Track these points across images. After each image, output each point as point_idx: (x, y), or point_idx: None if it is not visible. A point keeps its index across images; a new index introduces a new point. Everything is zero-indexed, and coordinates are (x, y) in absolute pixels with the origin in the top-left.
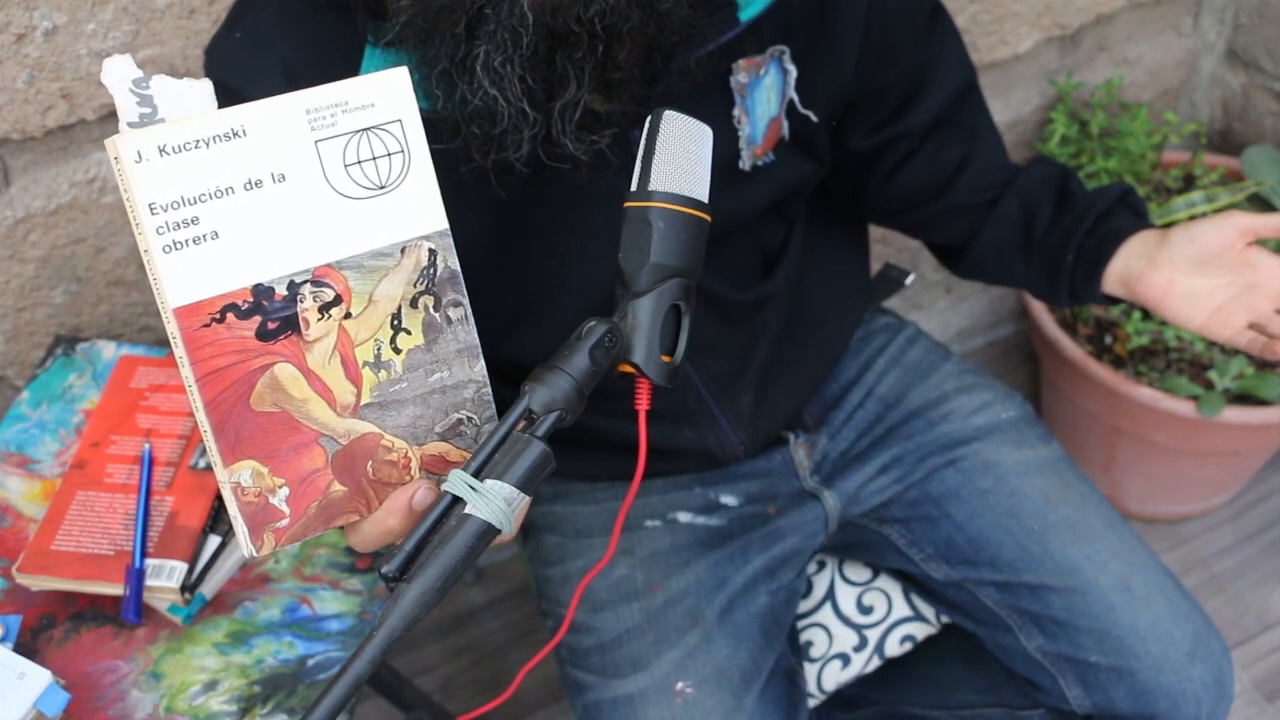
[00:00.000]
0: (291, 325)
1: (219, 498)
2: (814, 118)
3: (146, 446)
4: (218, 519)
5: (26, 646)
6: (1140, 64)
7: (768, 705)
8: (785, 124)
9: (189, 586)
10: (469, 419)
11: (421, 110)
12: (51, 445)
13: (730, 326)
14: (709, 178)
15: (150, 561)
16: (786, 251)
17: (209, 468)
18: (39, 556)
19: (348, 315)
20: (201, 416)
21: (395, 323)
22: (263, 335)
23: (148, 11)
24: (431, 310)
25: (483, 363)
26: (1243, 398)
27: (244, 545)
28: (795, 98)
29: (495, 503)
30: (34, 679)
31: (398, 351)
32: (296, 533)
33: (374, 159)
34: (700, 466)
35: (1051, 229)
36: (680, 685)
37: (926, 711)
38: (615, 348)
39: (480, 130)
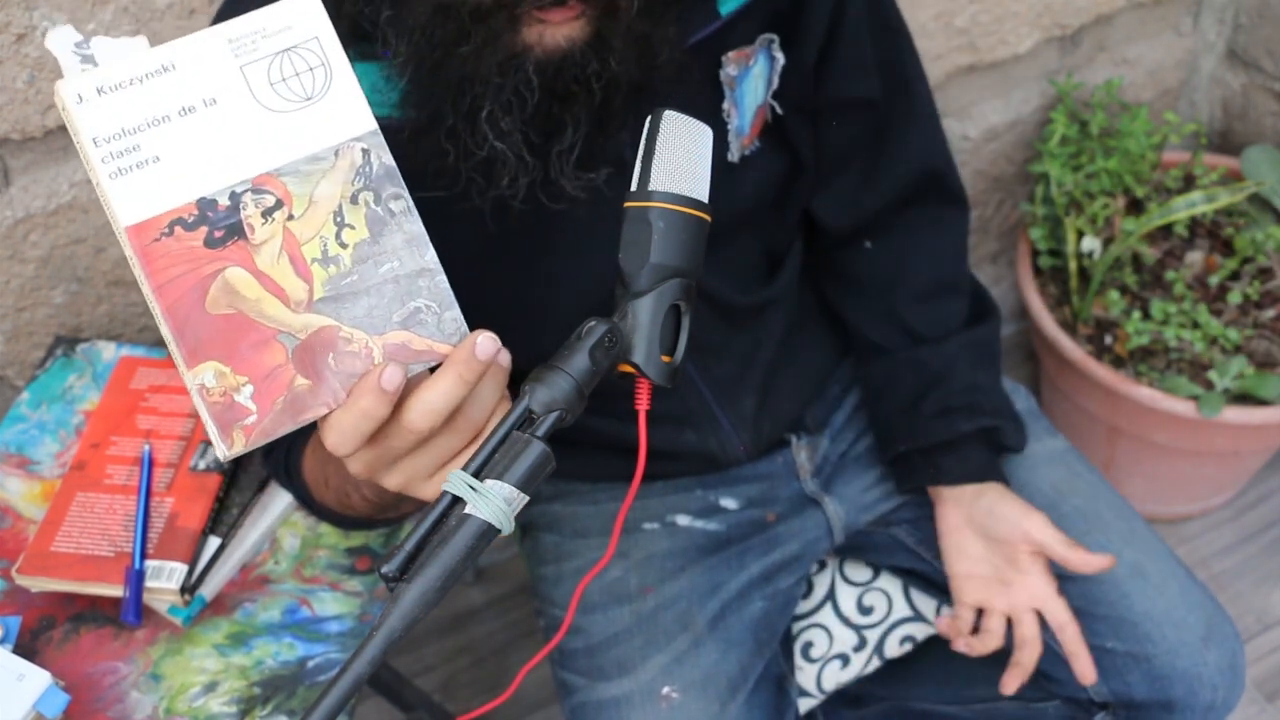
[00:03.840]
0: (237, 232)
1: (219, 500)
2: (778, 109)
3: (146, 448)
4: (218, 520)
5: (26, 648)
6: (1140, 64)
7: (753, 711)
8: (772, 107)
9: (189, 588)
10: (427, 306)
11: (403, 140)
12: (51, 446)
13: (734, 330)
14: (709, 178)
15: (150, 563)
16: (790, 255)
17: (209, 469)
18: (39, 558)
19: (290, 217)
20: (163, 327)
21: (338, 219)
22: (210, 243)
23: (148, 11)
24: (372, 205)
25: (433, 252)
26: (1243, 398)
27: (217, 446)
28: (777, 85)
29: (495, 503)
30: (33, 680)
31: (344, 246)
32: (267, 428)
33: (297, 74)
34: (701, 469)
35: (890, 423)
36: (666, 690)
37: (938, 706)
38: (615, 348)
39: (481, 176)
